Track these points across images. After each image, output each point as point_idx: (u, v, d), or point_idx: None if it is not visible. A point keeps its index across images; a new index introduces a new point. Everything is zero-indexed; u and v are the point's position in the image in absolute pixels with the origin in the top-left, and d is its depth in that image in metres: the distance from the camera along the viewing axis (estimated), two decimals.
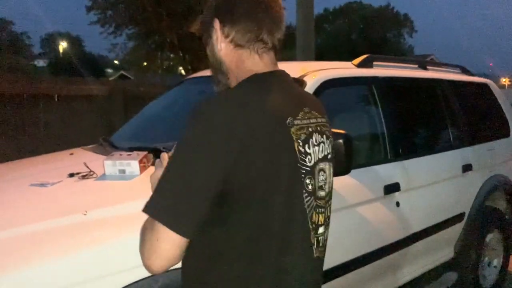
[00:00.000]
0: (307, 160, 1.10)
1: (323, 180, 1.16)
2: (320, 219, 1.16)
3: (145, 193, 1.86)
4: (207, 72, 3.40)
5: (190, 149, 1.00)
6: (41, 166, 2.61)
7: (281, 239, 1.06)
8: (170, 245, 0.97)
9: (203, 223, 0.99)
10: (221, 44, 1.13)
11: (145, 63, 18.16)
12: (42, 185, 2.00)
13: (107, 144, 2.78)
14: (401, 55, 32.87)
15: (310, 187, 1.11)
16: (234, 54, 1.13)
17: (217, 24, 1.12)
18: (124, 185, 1.99)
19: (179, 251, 0.99)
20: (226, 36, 1.12)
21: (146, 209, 1.00)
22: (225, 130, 0.97)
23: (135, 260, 1.57)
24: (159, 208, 0.99)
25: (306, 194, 1.11)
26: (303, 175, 1.09)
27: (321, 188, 1.16)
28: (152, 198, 1.01)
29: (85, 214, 1.66)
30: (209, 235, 1.04)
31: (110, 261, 1.54)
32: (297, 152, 1.08)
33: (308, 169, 1.11)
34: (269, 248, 1.04)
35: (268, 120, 1.02)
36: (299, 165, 1.08)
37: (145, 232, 1.02)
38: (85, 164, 2.05)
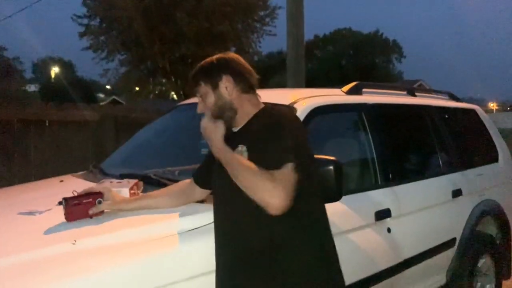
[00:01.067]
0: None
1: None
2: None
3: (134, 222, 1.86)
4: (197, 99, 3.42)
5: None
6: (30, 193, 2.58)
7: None
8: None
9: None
10: (232, 91, 1.71)
11: (137, 88, 18.22)
12: (30, 213, 1.98)
13: (97, 171, 2.77)
14: (391, 80, 33.30)
15: None
16: (240, 97, 1.73)
17: (229, 78, 1.71)
18: (114, 214, 1.97)
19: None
20: (235, 86, 1.72)
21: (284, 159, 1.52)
22: None
23: None
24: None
25: None
26: None
27: None
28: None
29: (74, 244, 1.64)
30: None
31: None
32: None
33: None
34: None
35: None
36: None
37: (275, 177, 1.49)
38: (74, 192, 2.03)
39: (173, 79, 16.29)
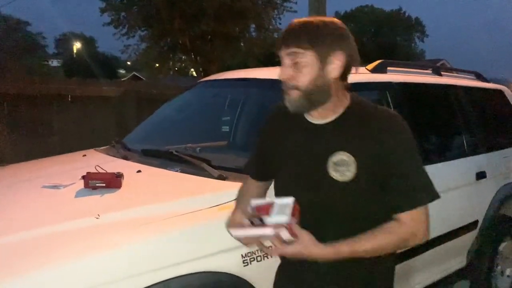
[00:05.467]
0: None
1: None
2: None
3: (159, 197, 1.88)
4: (220, 76, 3.41)
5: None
6: (54, 167, 2.63)
7: None
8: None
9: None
10: (337, 73, 1.34)
11: (157, 65, 18.24)
12: (55, 187, 2.01)
13: (119, 146, 2.79)
14: (412, 59, 32.63)
15: None
16: (338, 82, 1.36)
17: (342, 56, 1.33)
18: (135, 189, 1.99)
19: None
20: (343, 68, 1.34)
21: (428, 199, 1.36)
22: None
23: (147, 265, 1.58)
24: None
25: None
26: None
27: None
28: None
29: (97, 218, 1.67)
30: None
31: (123, 266, 1.54)
32: None
33: None
34: None
35: None
36: None
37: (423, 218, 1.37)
38: (96, 167, 2.05)
39: (192, 56, 16.23)
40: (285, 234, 1.23)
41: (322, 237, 1.28)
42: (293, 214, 1.24)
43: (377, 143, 1.31)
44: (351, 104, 1.39)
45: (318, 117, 1.39)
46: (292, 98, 1.34)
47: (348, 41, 1.36)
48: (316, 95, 1.34)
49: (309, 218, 1.31)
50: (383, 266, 1.45)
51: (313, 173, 1.37)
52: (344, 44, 1.34)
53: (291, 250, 1.26)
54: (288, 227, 1.23)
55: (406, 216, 1.32)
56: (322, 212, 1.35)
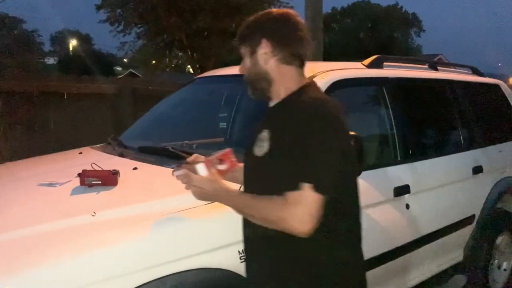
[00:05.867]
0: None
1: None
2: None
3: (155, 194, 1.87)
4: (216, 72, 3.40)
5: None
6: (50, 165, 2.61)
7: None
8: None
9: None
10: (270, 60, 1.44)
11: (153, 61, 18.18)
12: (50, 184, 2.00)
13: (115, 143, 2.78)
14: (409, 54, 32.64)
15: None
16: (279, 69, 1.45)
17: (267, 44, 1.43)
18: (131, 186, 1.98)
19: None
20: (275, 55, 1.44)
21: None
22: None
23: (144, 262, 1.58)
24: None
25: None
26: None
27: None
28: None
29: (93, 215, 1.66)
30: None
31: (119, 263, 1.54)
32: None
33: None
34: None
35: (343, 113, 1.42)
36: None
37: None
38: (92, 165, 2.04)
39: (189, 52, 16.18)
40: (201, 169, 1.45)
41: (250, 234, 1.48)
42: (221, 158, 1.52)
43: (287, 122, 1.36)
44: (295, 91, 1.45)
45: (272, 101, 1.50)
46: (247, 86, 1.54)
47: (276, 27, 1.44)
48: (256, 83, 1.49)
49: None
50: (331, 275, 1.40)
51: (249, 151, 1.47)
52: (269, 33, 1.44)
53: (196, 180, 1.44)
54: (205, 163, 1.46)
55: (290, 195, 1.29)
56: (250, 187, 1.48)
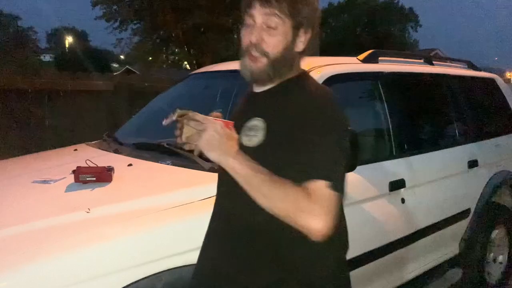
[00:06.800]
0: None
1: None
2: None
3: (149, 190, 1.87)
4: (211, 68, 3.39)
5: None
6: (45, 162, 2.61)
7: None
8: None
9: None
10: (302, 46, 1.30)
11: (150, 58, 18.15)
12: (45, 181, 2.00)
13: (111, 140, 2.78)
14: (406, 49, 32.61)
15: None
16: (299, 58, 1.33)
17: (309, 33, 1.30)
18: (125, 183, 1.98)
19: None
20: (306, 45, 1.31)
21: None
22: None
23: (139, 258, 1.58)
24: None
25: None
26: None
27: None
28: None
29: (88, 212, 1.66)
30: None
31: (114, 260, 1.54)
32: None
33: None
34: None
35: None
36: None
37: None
38: (87, 162, 2.04)
39: (186, 49, 16.17)
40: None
41: (234, 202, 1.27)
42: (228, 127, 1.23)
43: (295, 110, 1.23)
44: (293, 77, 1.32)
45: (259, 85, 1.33)
46: (258, 65, 1.27)
47: (318, 20, 1.33)
48: (281, 66, 1.28)
49: (226, 183, 1.29)
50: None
51: None
52: (315, 23, 1.31)
53: (217, 127, 1.17)
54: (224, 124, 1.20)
55: (313, 185, 1.15)
56: (233, 179, 1.20)
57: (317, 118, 1.21)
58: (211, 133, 1.16)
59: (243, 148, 1.22)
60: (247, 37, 1.27)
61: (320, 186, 1.15)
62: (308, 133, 1.18)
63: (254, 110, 1.32)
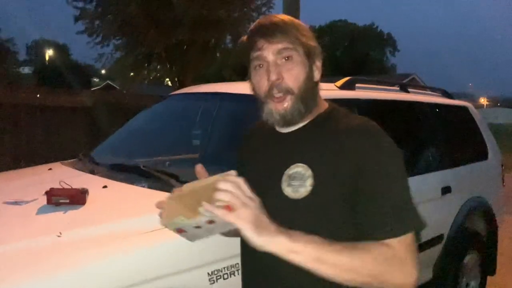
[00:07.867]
0: None
1: None
2: None
3: (123, 213, 1.85)
4: (191, 89, 3.40)
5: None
6: (17, 181, 2.56)
7: None
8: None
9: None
10: (318, 75, 1.21)
11: (132, 74, 18.07)
12: (16, 203, 1.96)
13: (87, 159, 2.75)
14: (384, 73, 33.26)
15: None
16: (317, 88, 1.23)
17: (319, 61, 1.21)
18: (99, 206, 1.96)
19: None
20: (320, 72, 1.22)
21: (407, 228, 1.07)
22: None
23: (109, 285, 1.55)
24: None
25: None
26: None
27: None
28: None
29: (59, 236, 1.63)
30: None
31: (85, 285, 1.51)
32: None
33: None
34: None
35: None
36: None
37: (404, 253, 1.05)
38: (61, 183, 2.01)
39: (168, 65, 16.16)
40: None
41: (276, 265, 1.03)
42: None
43: (343, 150, 1.09)
44: (323, 112, 1.21)
45: (289, 125, 1.19)
46: (285, 106, 1.14)
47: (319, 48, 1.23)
48: (309, 100, 1.16)
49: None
50: None
51: (269, 191, 1.12)
52: (321, 53, 1.22)
53: (251, 197, 0.95)
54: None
55: (395, 245, 1.03)
56: None
57: (380, 160, 1.08)
58: (244, 212, 0.93)
59: (287, 201, 1.10)
60: (263, 79, 1.15)
61: (406, 240, 1.05)
62: (377, 179, 1.06)
63: (289, 154, 1.16)
